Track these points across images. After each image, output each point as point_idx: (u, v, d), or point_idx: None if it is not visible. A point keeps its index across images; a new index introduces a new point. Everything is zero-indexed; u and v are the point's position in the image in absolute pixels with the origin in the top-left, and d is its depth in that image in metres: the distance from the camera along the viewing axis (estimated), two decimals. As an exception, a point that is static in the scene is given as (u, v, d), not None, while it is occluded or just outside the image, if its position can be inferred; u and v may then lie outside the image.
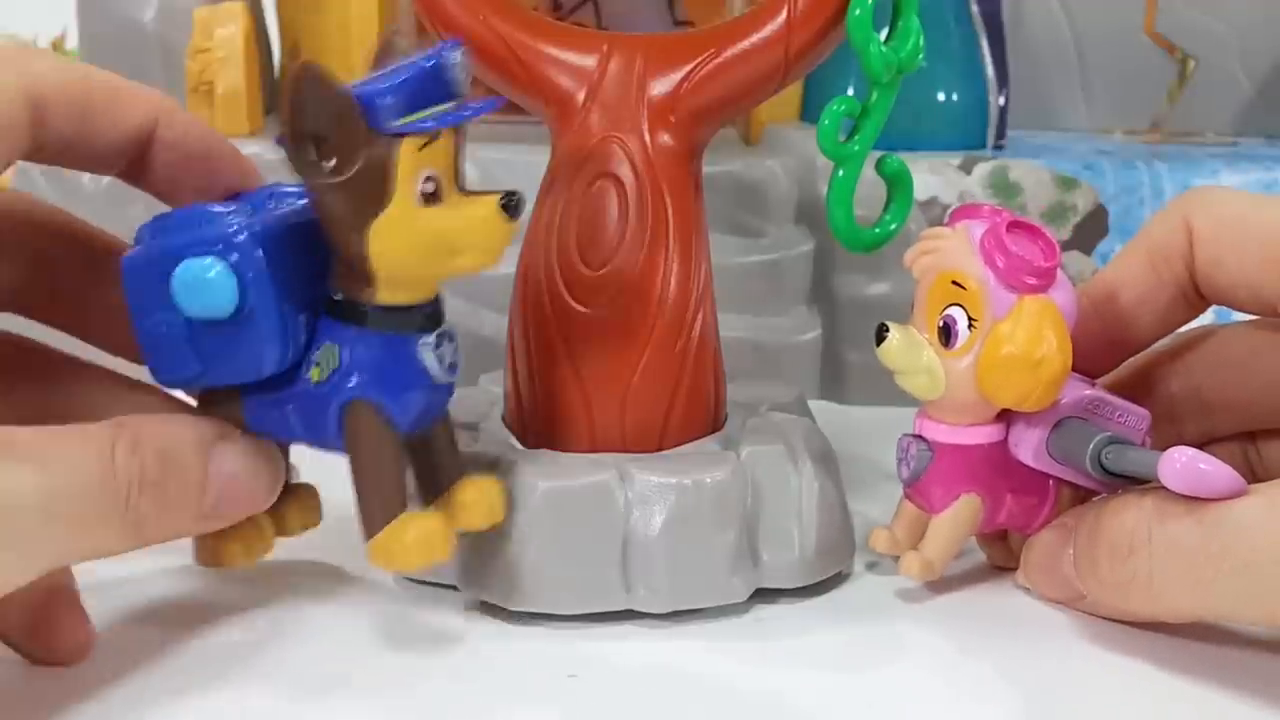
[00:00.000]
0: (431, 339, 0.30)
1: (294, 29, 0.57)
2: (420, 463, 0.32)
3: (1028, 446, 0.33)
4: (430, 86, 0.29)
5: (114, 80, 0.30)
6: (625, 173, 0.34)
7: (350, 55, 0.53)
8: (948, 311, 0.32)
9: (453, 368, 0.31)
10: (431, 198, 0.29)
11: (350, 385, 0.29)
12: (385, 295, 0.29)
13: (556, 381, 0.34)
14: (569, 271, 0.34)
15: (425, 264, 0.29)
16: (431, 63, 0.29)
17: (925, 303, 0.33)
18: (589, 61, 0.35)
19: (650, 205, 0.34)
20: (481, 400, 0.39)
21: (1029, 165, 0.52)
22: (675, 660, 0.31)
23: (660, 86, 0.35)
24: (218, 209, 0.30)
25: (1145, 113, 0.66)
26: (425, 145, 0.28)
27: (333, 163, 0.28)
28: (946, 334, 0.32)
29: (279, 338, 0.29)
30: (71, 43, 0.92)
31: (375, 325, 0.30)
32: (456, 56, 0.29)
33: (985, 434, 0.33)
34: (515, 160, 0.52)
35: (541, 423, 0.35)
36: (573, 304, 0.34)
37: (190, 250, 0.29)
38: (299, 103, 0.28)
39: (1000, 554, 0.36)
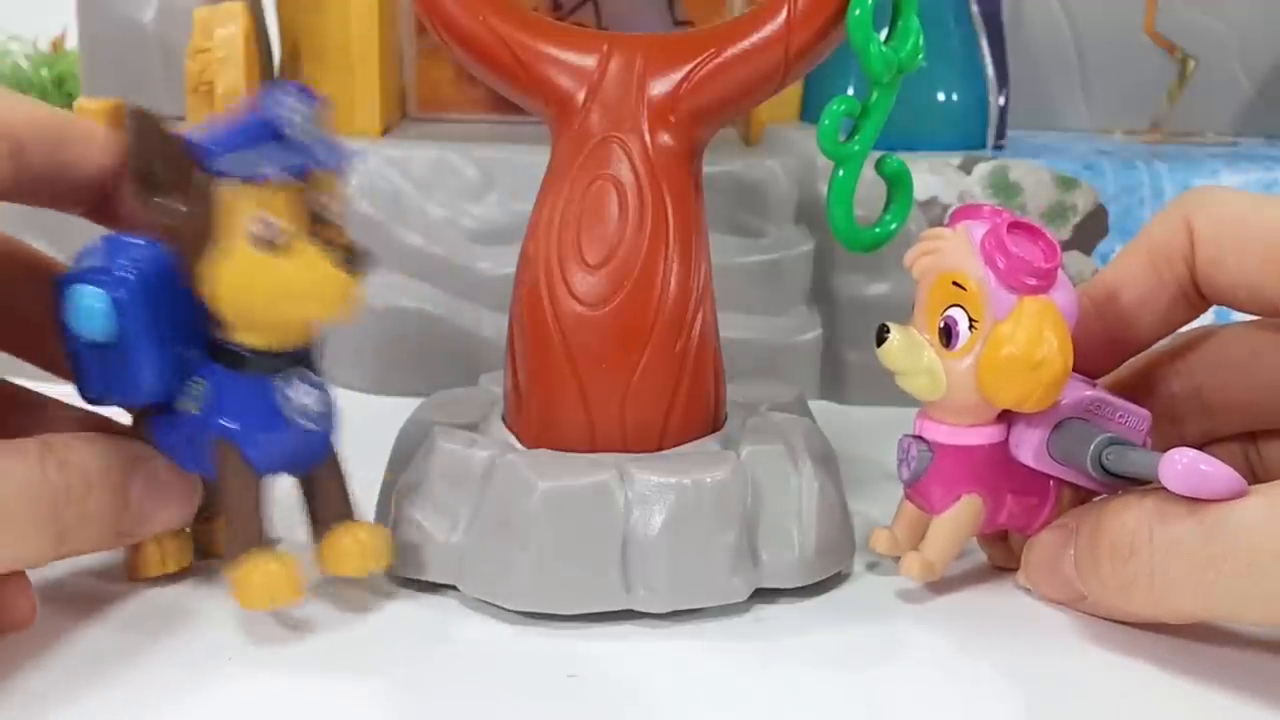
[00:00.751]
0: (282, 383, 0.31)
1: (294, 29, 0.57)
2: (308, 501, 0.33)
3: (1028, 447, 0.33)
4: (265, 131, 0.30)
5: (83, 122, 0.32)
6: (625, 173, 0.34)
7: (350, 55, 0.53)
8: (948, 312, 0.32)
9: (313, 415, 0.31)
10: (271, 245, 0.29)
11: (213, 423, 0.31)
12: (244, 337, 0.30)
13: (556, 381, 0.34)
14: (569, 271, 0.34)
15: (263, 309, 0.30)
16: (262, 111, 0.30)
17: (926, 303, 0.33)
18: (589, 61, 0.35)
19: (650, 205, 0.34)
20: (481, 400, 0.39)
21: (1029, 165, 0.52)
22: (675, 660, 0.31)
23: (660, 86, 0.35)
24: (128, 240, 0.31)
25: (1145, 113, 0.66)
26: (255, 190, 0.29)
27: (169, 202, 0.29)
28: (947, 335, 0.32)
29: (154, 367, 0.30)
30: (71, 43, 0.92)
31: (237, 366, 0.31)
32: (289, 104, 0.30)
33: (986, 435, 0.33)
34: (515, 160, 0.52)
35: (541, 423, 0.35)
36: (573, 304, 0.34)
37: (85, 277, 0.30)
38: (132, 145, 0.29)
39: (1001, 554, 0.36)
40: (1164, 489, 0.29)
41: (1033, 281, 0.31)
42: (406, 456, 0.35)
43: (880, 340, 0.33)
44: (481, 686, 0.30)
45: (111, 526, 0.31)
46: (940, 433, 0.33)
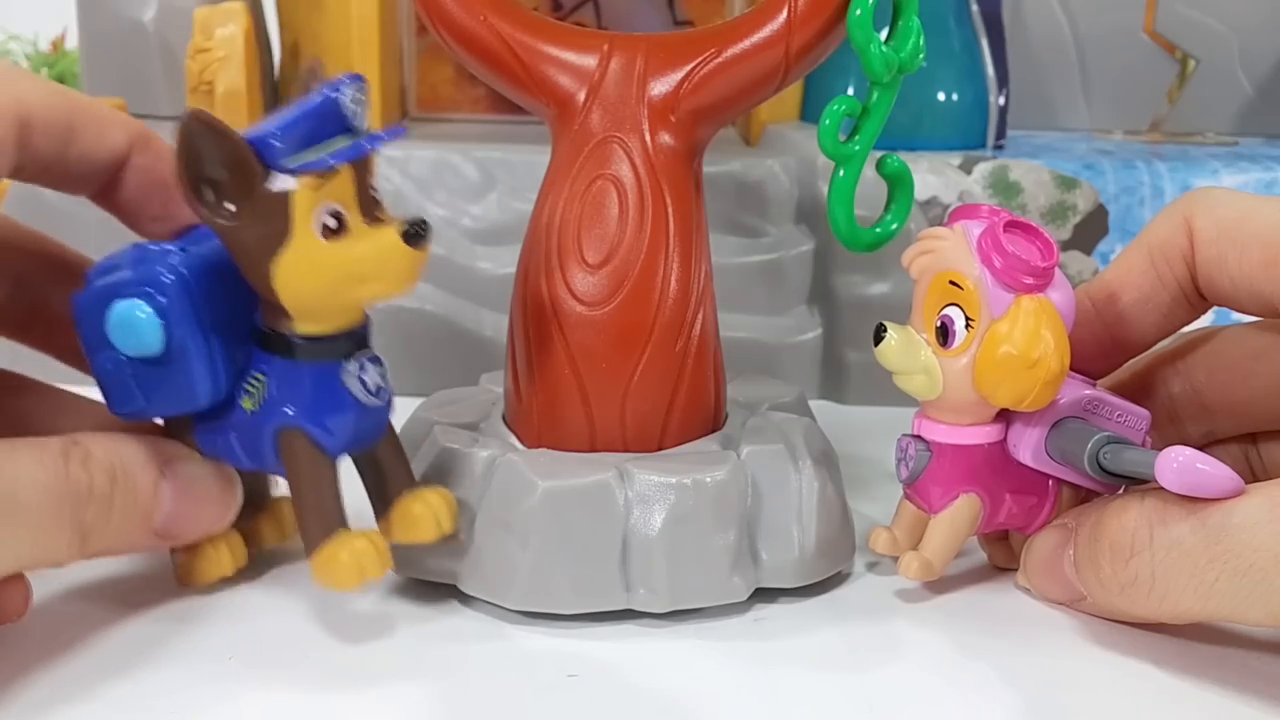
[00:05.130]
0: (353, 366, 0.31)
1: (294, 29, 0.57)
2: (368, 478, 0.33)
3: (1026, 446, 0.33)
4: (324, 122, 0.29)
5: (95, 105, 0.31)
6: (625, 173, 0.34)
7: (350, 55, 0.53)
8: (945, 311, 0.32)
9: (379, 391, 0.31)
10: (335, 232, 0.29)
11: (279, 414, 0.30)
12: (304, 326, 0.30)
13: (556, 381, 0.34)
14: (569, 271, 0.34)
15: (333, 295, 0.30)
16: (323, 99, 0.29)
17: (923, 303, 0.33)
18: (589, 61, 0.35)
19: (650, 205, 0.34)
20: (481, 400, 0.39)
21: (1029, 165, 0.52)
22: (675, 660, 0.31)
23: (661, 86, 0.35)
24: (155, 248, 0.30)
25: (1145, 113, 0.66)
26: (322, 181, 0.29)
27: (231, 206, 0.29)
28: (944, 334, 0.32)
29: (208, 373, 0.30)
30: (71, 43, 0.92)
31: (300, 355, 0.30)
32: (349, 92, 0.29)
33: (984, 434, 0.33)
34: (515, 160, 0.52)
35: (541, 423, 0.35)
36: (573, 304, 0.34)
37: (122, 292, 0.30)
38: (192, 150, 0.28)
39: (1001, 554, 0.36)
40: (1163, 489, 0.29)
41: (1029, 280, 0.31)
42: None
43: (878, 339, 0.33)
44: (481, 686, 0.30)
45: (142, 526, 0.30)
46: (938, 432, 0.33)
